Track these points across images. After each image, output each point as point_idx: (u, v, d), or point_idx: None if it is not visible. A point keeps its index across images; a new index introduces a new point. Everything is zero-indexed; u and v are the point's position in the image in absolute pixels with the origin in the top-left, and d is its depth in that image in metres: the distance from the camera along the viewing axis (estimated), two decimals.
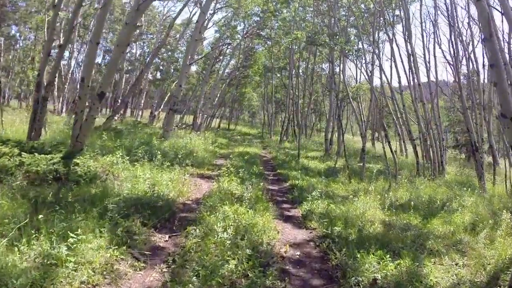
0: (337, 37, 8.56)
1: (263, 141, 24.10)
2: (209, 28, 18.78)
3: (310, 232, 5.14)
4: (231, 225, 4.39)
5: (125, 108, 23.78)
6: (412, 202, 8.16)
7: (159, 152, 8.99)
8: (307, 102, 27.88)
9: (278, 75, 34.11)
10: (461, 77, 25.21)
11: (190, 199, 6.09)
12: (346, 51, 8.67)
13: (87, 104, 8.89)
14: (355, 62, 10.08)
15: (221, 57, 26.14)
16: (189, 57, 12.31)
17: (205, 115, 23.13)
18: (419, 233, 6.17)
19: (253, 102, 40.52)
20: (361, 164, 15.40)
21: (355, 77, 24.62)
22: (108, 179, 6.56)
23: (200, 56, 13.27)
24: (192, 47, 12.49)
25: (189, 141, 12.13)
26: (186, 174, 7.92)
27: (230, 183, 6.82)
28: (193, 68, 35.21)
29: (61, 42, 9.30)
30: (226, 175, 7.16)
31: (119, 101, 19.49)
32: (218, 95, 25.11)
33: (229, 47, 22.52)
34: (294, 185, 8.23)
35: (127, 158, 8.22)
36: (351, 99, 10.47)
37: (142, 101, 27.20)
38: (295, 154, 15.64)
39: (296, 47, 26.02)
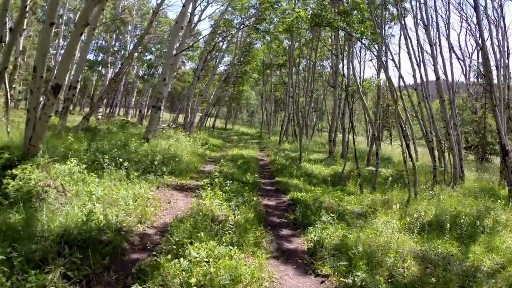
0: (346, 15, 6.91)
1: (261, 141, 22.47)
2: (203, 19, 17.17)
3: (322, 282, 3.52)
4: (201, 281, 2.78)
5: (111, 107, 22.16)
6: (446, 223, 6.71)
7: (127, 158, 7.42)
8: (308, 100, 26.31)
9: (278, 72, 32.54)
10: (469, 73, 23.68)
11: (155, 225, 4.47)
12: (359, 34, 7.08)
13: (41, 100, 7.30)
14: (369, 49, 8.44)
15: (216, 53, 24.55)
16: (175, 46, 10.66)
17: (199, 114, 21.51)
18: (464, 269, 4.68)
19: (251, 100, 38.86)
20: (370, 169, 13.84)
21: (359, 74, 22.94)
22: (49, 197, 4.94)
23: (187, 46, 11.64)
24: (178, 35, 10.84)
25: (174, 143, 10.51)
26: (160, 187, 6.33)
27: (214, 200, 5.21)
28: (190, 65, 33.61)
29: (13, 25, 7.66)
30: (209, 188, 5.54)
31: (98, 98, 17.86)
32: (214, 93, 23.46)
33: (224, 41, 20.85)
34: (296, 199, 6.61)
35: (89, 165, 6.66)
36: (361, 94, 8.86)
37: (133, 100, 25.55)
38: (296, 156, 14.02)
39: (297, 43, 24.52)
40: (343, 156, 16.30)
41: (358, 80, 18.50)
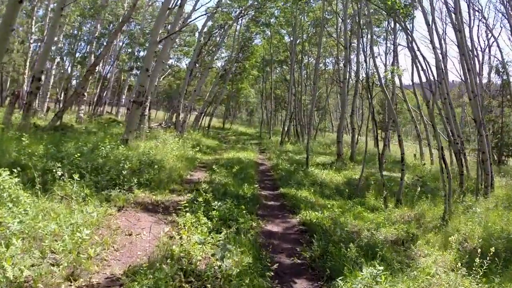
0: None
1: (261, 142, 20.78)
2: (198, 9, 15.48)
3: None
4: None
5: (96, 104, 20.47)
6: (501, 248, 5.16)
7: (91, 165, 5.78)
8: (310, 98, 24.68)
9: (278, 69, 30.88)
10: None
11: (94, 282, 2.79)
12: (388, 8, 5.45)
13: None
14: (403, 25, 6.72)
15: (213, 48, 22.89)
16: (160, 31, 8.99)
17: (195, 113, 19.83)
18: None
19: (250, 98, 37.12)
20: (385, 174, 12.16)
21: (365, 71, 20.91)
22: None
23: (174, 31, 9.88)
24: (163, 18, 9.16)
25: (159, 145, 8.84)
26: (125, 207, 4.64)
27: (195, 232, 3.56)
28: (186, 61, 31.86)
29: None
30: (189, 212, 3.87)
31: (73, 92, 16.12)
32: (210, 90, 21.75)
33: (221, 31, 19.15)
34: (310, 223, 4.94)
35: (39, 176, 5.03)
36: (383, 87, 7.23)
37: (124, 97, 23.83)
38: (301, 160, 12.35)
39: (299, 39, 22.97)
40: (352, 159, 14.68)
41: (364, 75, 16.87)
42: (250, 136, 25.82)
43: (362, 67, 15.85)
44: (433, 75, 10.60)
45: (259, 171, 9.66)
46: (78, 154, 6.11)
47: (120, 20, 11.53)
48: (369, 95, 7.66)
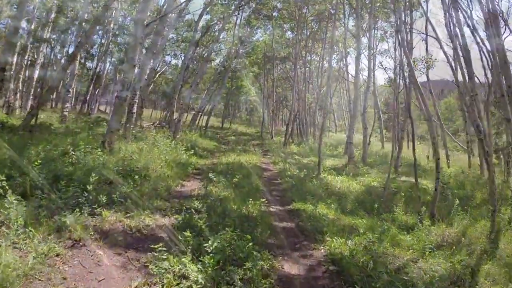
0: None
1: (262, 143, 19.45)
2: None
3: None
4: None
5: (83, 102, 19.09)
6: None
7: (49, 176, 4.49)
8: (314, 97, 23.39)
9: (280, 66, 29.57)
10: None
11: None
12: None
13: None
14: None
15: (211, 44, 21.58)
16: (148, 14, 7.66)
17: (191, 112, 18.50)
18: None
19: (250, 97, 35.76)
20: (404, 179, 10.89)
21: (369, 71, 19.13)
22: None
23: (165, 13, 8.46)
24: None
25: (145, 149, 7.49)
26: (82, 240, 3.30)
27: None
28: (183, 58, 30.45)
29: None
30: (172, 256, 2.54)
31: (46, 88, 14.77)
32: (208, 88, 20.42)
33: (221, 27, 17.80)
34: (340, 258, 3.60)
35: None
36: (415, 79, 5.92)
37: (116, 94, 22.48)
38: (310, 164, 11.04)
39: (303, 34, 21.74)
40: (364, 162, 13.38)
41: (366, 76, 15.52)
42: (250, 136, 24.48)
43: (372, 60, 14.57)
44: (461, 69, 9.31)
45: (265, 179, 8.30)
46: (39, 161, 4.79)
47: (104, 4, 10.18)
48: (405, 87, 6.34)
